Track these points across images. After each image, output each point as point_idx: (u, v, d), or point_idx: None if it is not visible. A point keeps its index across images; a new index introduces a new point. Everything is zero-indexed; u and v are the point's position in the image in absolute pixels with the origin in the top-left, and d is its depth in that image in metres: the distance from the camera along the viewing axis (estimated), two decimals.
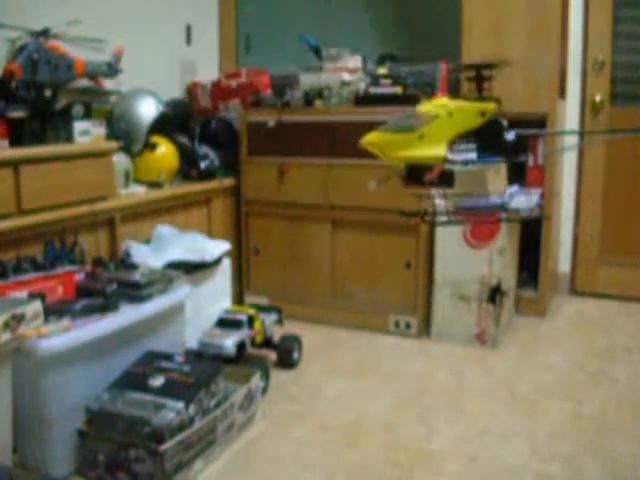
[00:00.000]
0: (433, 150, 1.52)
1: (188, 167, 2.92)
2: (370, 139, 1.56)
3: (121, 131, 2.65)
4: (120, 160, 2.55)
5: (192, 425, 1.74)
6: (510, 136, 1.61)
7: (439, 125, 1.55)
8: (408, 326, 2.81)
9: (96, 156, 2.33)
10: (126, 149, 2.64)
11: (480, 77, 1.62)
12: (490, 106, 1.57)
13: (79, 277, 1.98)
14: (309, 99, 2.91)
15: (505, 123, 1.58)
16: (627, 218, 3.24)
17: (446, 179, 1.63)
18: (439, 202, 2.73)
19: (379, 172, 2.51)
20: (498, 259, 2.62)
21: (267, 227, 3.08)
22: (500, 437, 1.97)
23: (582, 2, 3.16)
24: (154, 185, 2.72)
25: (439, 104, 1.58)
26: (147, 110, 2.74)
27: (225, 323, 2.35)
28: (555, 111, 2.86)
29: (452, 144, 1.60)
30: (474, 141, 1.63)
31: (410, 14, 3.38)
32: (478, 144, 1.62)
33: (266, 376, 2.26)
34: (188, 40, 3.43)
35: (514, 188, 2.88)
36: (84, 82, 2.60)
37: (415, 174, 1.62)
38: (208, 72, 3.53)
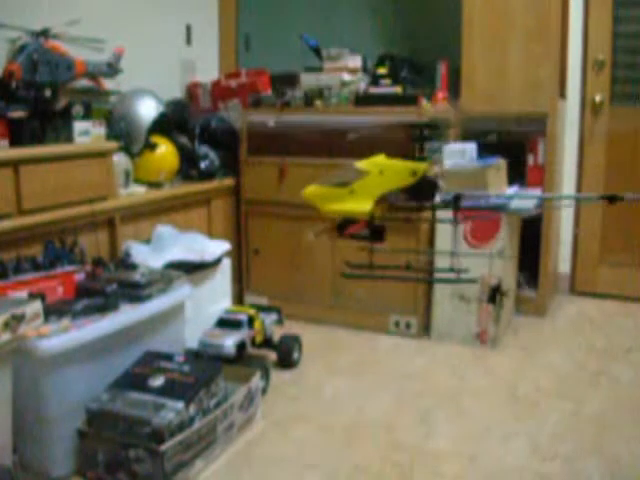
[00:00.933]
0: (360, 205, 1.60)
1: (188, 167, 2.92)
2: (309, 191, 1.63)
3: (121, 131, 2.65)
4: (120, 160, 2.55)
5: (192, 425, 1.74)
6: (444, 196, 1.71)
7: (369, 182, 1.62)
8: (408, 326, 2.81)
9: (96, 156, 2.33)
10: (126, 149, 2.64)
11: (422, 137, 1.69)
12: (422, 166, 1.61)
13: (79, 277, 1.98)
14: (309, 99, 2.91)
15: (438, 183, 1.67)
16: (627, 218, 3.24)
17: (377, 234, 1.74)
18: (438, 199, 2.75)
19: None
20: (498, 259, 2.62)
21: (267, 227, 3.08)
22: (500, 437, 1.97)
23: (582, 2, 3.16)
24: (154, 185, 2.72)
25: (374, 162, 1.66)
26: (147, 110, 2.74)
27: (225, 323, 2.35)
28: (555, 111, 2.86)
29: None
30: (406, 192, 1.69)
31: (410, 14, 3.38)
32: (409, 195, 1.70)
33: (266, 376, 2.26)
34: (188, 40, 3.43)
35: (514, 188, 2.88)
36: (84, 82, 2.60)
37: (344, 226, 1.76)
38: (208, 72, 3.53)
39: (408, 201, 1.67)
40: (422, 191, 1.64)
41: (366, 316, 2.89)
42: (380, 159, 1.69)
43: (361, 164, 1.66)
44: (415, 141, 1.64)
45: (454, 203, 1.64)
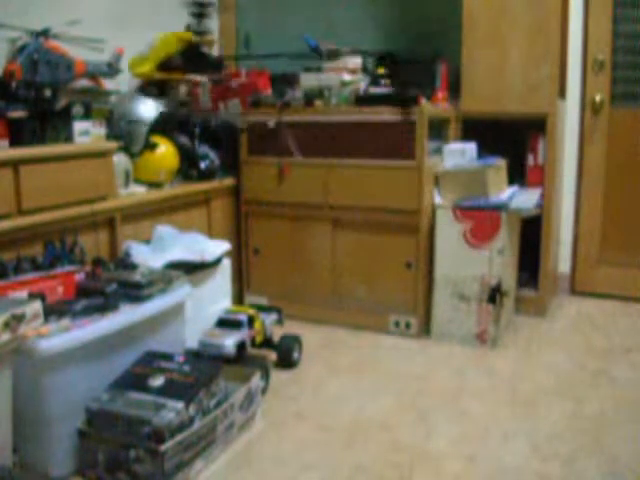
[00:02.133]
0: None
1: (188, 167, 2.92)
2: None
3: (121, 131, 2.65)
4: (120, 160, 2.55)
5: (192, 425, 1.74)
6: (213, 57, 2.41)
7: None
8: (408, 326, 2.81)
9: (96, 156, 2.33)
10: (126, 149, 2.64)
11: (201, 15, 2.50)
12: (187, 34, 2.39)
13: (79, 277, 1.98)
14: (309, 99, 2.91)
15: (204, 49, 2.37)
16: (627, 218, 3.24)
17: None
18: (438, 200, 2.75)
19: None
20: (498, 259, 2.62)
21: (267, 227, 3.08)
22: (500, 437, 1.97)
23: (582, 2, 3.16)
24: (154, 185, 2.72)
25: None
26: (147, 110, 2.74)
27: (225, 323, 2.35)
28: (555, 111, 2.86)
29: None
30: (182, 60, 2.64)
31: (410, 14, 3.38)
32: (185, 63, 2.56)
33: (266, 376, 2.26)
34: None
35: (514, 188, 2.88)
36: (84, 82, 2.60)
37: None
38: None
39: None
40: (195, 56, 2.45)
41: (366, 316, 2.89)
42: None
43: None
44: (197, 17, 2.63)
45: None
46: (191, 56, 2.35)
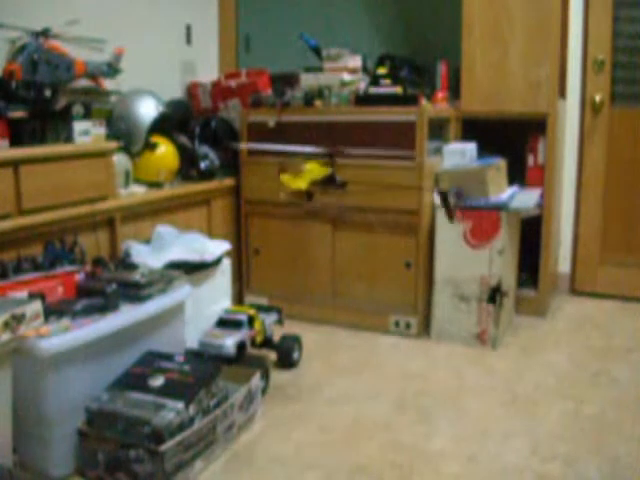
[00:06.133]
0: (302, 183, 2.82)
1: (188, 167, 2.92)
2: (284, 177, 2.84)
3: (121, 131, 2.65)
4: (120, 160, 2.55)
5: (192, 425, 1.74)
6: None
7: (307, 172, 2.81)
8: (408, 326, 2.81)
9: (96, 156, 2.33)
10: (126, 149, 2.64)
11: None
12: (329, 169, 2.82)
13: (79, 277, 1.98)
14: (309, 99, 2.91)
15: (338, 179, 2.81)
16: (627, 218, 3.25)
17: (309, 196, 2.90)
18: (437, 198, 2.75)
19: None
20: (498, 259, 2.62)
21: (267, 227, 3.08)
22: (500, 437, 1.97)
23: (582, 2, 3.16)
24: (154, 185, 2.72)
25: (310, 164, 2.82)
26: (147, 110, 2.74)
27: (225, 323, 2.35)
28: (555, 111, 2.86)
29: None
30: None
31: (410, 14, 3.38)
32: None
33: (266, 376, 2.26)
34: (188, 40, 3.44)
35: (514, 188, 2.88)
36: (84, 82, 2.60)
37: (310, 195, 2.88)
38: (208, 72, 3.53)
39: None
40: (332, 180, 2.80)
41: (366, 316, 2.89)
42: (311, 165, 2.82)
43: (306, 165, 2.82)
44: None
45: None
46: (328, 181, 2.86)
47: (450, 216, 2.67)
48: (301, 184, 2.81)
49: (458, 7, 2.94)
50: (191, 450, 1.73)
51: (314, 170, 2.82)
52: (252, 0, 3.69)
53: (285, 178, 2.85)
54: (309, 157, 2.86)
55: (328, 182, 2.81)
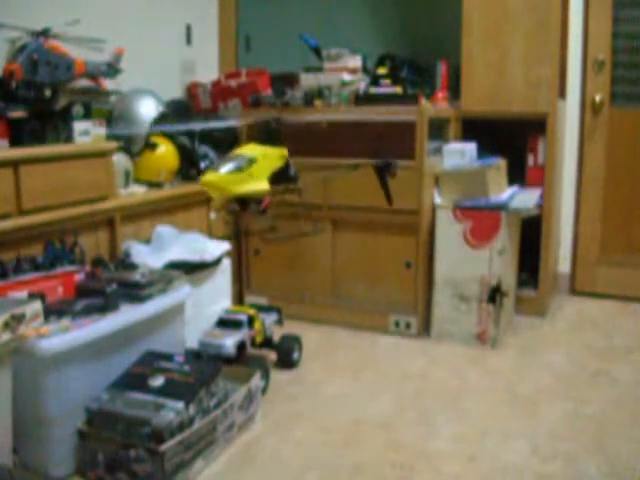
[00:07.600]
0: (259, 184, 2.09)
1: (188, 167, 2.92)
2: (209, 179, 2.03)
3: (121, 131, 2.65)
4: (120, 160, 2.55)
5: (192, 425, 1.74)
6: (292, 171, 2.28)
7: (259, 166, 2.09)
8: (408, 326, 2.81)
9: (96, 156, 2.33)
10: (126, 149, 2.64)
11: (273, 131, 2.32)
12: (285, 151, 2.21)
13: (79, 277, 1.98)
14: (309, 99, 2.91)
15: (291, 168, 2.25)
16: (627, 218, 3.25)
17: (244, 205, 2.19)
18: (438, 200, 2.75)
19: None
20: (498, 259, 2.62)
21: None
22: (500, 437, 1.97)
23: (582, 2, 3.16)
24: (154, 185, 2.72)
25: (253, 149, 2.13)
26: (147, 110, 2.74)
27: (225, 323, 2.35)
28: (555, 111, 2.86)
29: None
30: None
31: (410, 14, 3.38)
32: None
33: (266, 376, 2.26)
34: (188, 40, 3.43)
35: (514, 188, 2.88)
36: (84, 82, 2.60)
37: (244, 203, 2.18)
38: (208, 72, 3.53)
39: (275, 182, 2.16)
40: (286, 172, 2.22)
41: (366, 316, 2.89)
42: (253, 147, 2.15)
43: (246, 151, 2.11)
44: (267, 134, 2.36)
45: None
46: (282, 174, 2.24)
47: (388, 195, 2.38)
48: (262, 184, 2.09)
49: (458, 7, 2.94)
50: (191, 450, 1.73)
51: (269, 154, 2.11)
52: (252, 0, 3.69)
53: (221, 178, 2.02)
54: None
55: (280, 177, 2.18)
